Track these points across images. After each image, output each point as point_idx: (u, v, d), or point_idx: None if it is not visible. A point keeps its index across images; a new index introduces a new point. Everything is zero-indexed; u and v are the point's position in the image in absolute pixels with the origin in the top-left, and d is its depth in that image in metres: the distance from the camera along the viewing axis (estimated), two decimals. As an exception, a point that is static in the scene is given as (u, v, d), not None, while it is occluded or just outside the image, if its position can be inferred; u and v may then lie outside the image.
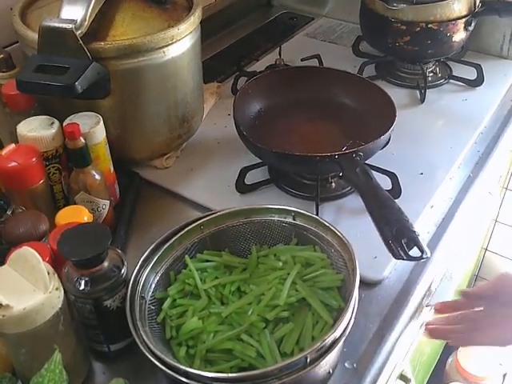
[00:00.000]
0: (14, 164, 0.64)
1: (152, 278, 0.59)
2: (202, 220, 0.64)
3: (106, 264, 0.54)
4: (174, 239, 0.62)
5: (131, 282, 0.55)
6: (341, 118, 0.88)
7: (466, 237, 1.02)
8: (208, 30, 1.21)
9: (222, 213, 0.65)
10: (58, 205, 0.74)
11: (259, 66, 1.10)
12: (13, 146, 0.66)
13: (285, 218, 0.64)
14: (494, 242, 1.59)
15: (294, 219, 0.63)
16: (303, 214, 0.63)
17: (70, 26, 0.66)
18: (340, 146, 0.80)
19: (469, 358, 1.49)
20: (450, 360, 1.57)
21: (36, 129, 0.69)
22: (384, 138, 0.75)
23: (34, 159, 0.65)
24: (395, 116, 0.77)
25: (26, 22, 0.75)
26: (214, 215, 0.65)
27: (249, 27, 1.31)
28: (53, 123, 0.70)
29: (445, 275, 0.92)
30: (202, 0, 1.21)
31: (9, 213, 0.63)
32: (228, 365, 0.52)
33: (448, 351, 1.59)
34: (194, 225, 0.64)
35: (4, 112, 0.74)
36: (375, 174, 0.80)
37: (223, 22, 1.29)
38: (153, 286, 0.59)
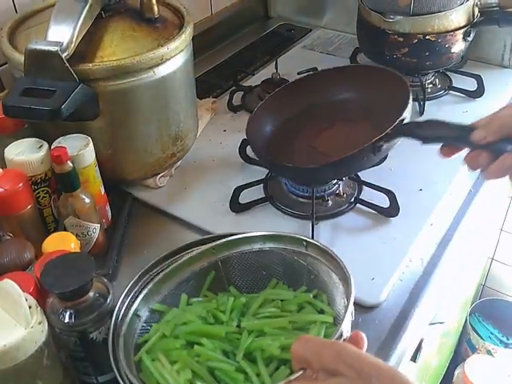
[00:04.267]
0: (0, 190, 0.63)
1: (154, 296, 0.58)
2: (215, 243, 0.62)
3: (91, 295, 0.52)
4: (183, 260, 0.60)
5: (115, 313, 0.54)
6: (356, 113, 0.84)
7: (470, 250, 1.00)
8: (204, 43, 1.21)
9: (237, 237, 0.62)
10: (48, 228, 0.73)
11: (255, 80, 1.09)
12: (0, 171, 0.65)
13: (297, 247, 0.60)
14: (501, 252, 1.57)
15: (306, 249, 0.60)
16: (314, 243, 0.59)
17: (56, 48, 0.65)
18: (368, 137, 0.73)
19: (476, 369, 1.46)
20: (457, 372, 1.54)
21: (24, 152, 0.68)
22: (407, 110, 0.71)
23: (20, 185, 0.64)
24: (408, 89, 0.74)
25: (14, 43, 0.74)
26: (228, 239, 0.62)
27: (246, 40, 1.30)
28: (41, 146, 0.69)
29: (447, 293, 0.90)
30: (198, 14, 1.23)
31: (-5, 240, 0.62)
32: None
33: (455, 363, 1.56)
34: (206, 247, 0.62)
35: (-8, 135, 0.73)
36: (371, 191, 0.80)
37: (220, 35, 1.28)
38: (152, 305, 0.58)
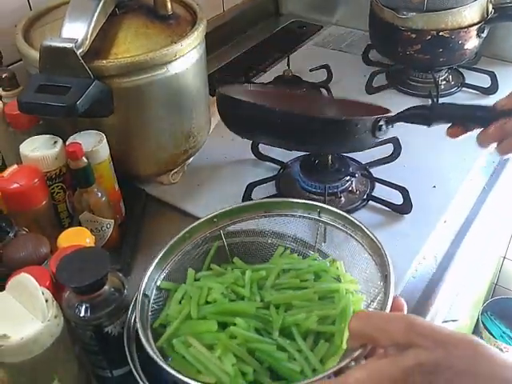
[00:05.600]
0: (16, 185, 0.63)
1: (158, 274, 0.57)
2: (216, 213, 0.60)
3: (106, 289, 0.52)
4: (183, 232, 0.59)
5: (131, 307, 0.54)
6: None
7: (483, 248, 0.99)
8: (216, 40, 1.21)
9: (238, 205, 0.61)
10: (63, 224, 0.74)
11: (267, 77, 1.09)
12: (15, 167, 0.66)
13: (309, 214, 0.59)
14: (513, 251, 1.56)
15: (319, 215, 0.59)
16: (330, 210, 0.58)
17: (71, 45, 0.65)
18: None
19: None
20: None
21: (39, 148, 0.68)
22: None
23: (36, 180, 0.65)
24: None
25: (29, 40, 0.75)
26: (229, 208, 0.61)
27: (258, 37, 1.30)
28: (56, 142, 0.69)
29: (460, 290, 0.90)
30: (210, 11, 1.23)
31: (11, 235, 0.62)
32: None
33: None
34: (207, 217, 0.60)
35: (8, 131, 0.74)
36: (384, 188, 0.79)
37: (232, 32, 1.28)
38: (158, 282, 0.56)
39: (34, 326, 0.47)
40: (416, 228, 0.75)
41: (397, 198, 0.78)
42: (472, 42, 0.97)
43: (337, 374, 0.41)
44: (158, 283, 0.57)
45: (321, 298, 0.53)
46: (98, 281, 0.50)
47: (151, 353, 0.47)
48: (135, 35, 0.73)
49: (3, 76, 0.76)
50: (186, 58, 0.75)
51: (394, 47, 1.00)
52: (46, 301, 0.49)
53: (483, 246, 0.91)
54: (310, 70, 1.06)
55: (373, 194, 0.80)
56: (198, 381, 0.44)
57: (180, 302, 0.55)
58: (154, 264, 0.57)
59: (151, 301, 0.55)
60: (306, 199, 0.79)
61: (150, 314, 0.54)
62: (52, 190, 0.70)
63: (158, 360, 0.46)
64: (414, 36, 0.96)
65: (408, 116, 0.67)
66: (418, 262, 0.71)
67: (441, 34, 0.94)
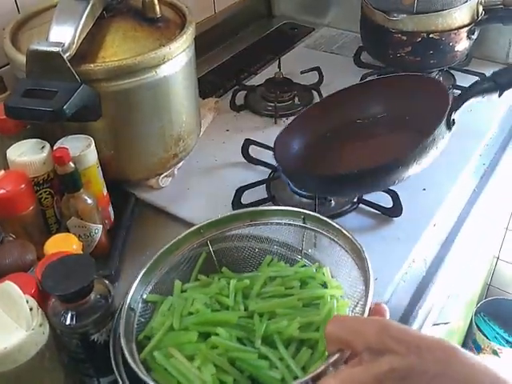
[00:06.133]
0: (2, 191, 0.63)
1: (144, 287, 0.56)
2: (202, 224, 0.61)
3: (92, 296, 0.52)
4: (171, 243, 0.59)
5: (116, 316, 0.53)
6: (388, 126, 0.81)
7: (474, 249, 0.99)
8: (207, 42, 1.21)
9: (224, 216, 0.61)
10: (51, 229, 0.73)
11: (258, 79, 1.09)
12: (1, 172, 0.65)
13: (293, 220, 0.60)
14: (506, 251, 1.56)
15: (304, 222, 0.59)
16: (313, 215, 0.59)
17: (58, 49, 0.64)
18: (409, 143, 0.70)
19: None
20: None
21: (26, 153, 0.68)
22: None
23: (22, 186, 0.64)
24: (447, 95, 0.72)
25: (16, 44, 0.74)
26: (215, 218, 0.61)
27: (249, 39, 1.29)
28: (43, 147, 0.69)
29: (451, 293, 0.90)
30: (201, 13, 1.23)
31: (-2, 241, 0.62)
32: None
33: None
34: (193, 229, 0.60)
35: (-5, 136, 0.74)
36: (375, 193, 0.79)
37: (223, 34, 1.28)
38: (144, 295, 0.56)
39: (18, 334, 0.47)
40: (406, 231, 0.75)
41: (387, 201, 0.78)
42: (462, 44, 0.97)
43: (315, 380, 0.41)
44: (144, 296, 0.57)
45: (306, 304, 0.53)
46: (83, 288, 0.50)
47: (133, 366, 0.47)
48: (123, 38, 0.73)
49: (-10, 80, 0.76)
50: (174, 62, 0.75)
51: (385, 49, 1.00)
52: (31, 309, 0.49)
53: (475, 247, 0.91)
54: (301, 73, 1.06)
55: (363, 197, 0.79)
56: None
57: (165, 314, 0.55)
58: (139, 277, 0.57)
59: (137, 314, 0.55)
60: (296, 203, 0.80)
61: (135, 326, 0.54)
62: (40, 195, 0.69)
63: (140, 372, 0.46)
64: (404, 38, 0.96)
65: (476, 93, 0.68)
66: (407, 265, 0.71)
67: (431, 36, 0.94)
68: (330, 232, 0.57)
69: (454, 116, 0.69)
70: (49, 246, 0.60)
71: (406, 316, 0.66)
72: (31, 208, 0.66)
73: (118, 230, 0.77)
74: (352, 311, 0.52)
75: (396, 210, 0.76)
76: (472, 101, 0.71)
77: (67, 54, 0.66)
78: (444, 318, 0.92)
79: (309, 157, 0.81)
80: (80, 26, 0.68)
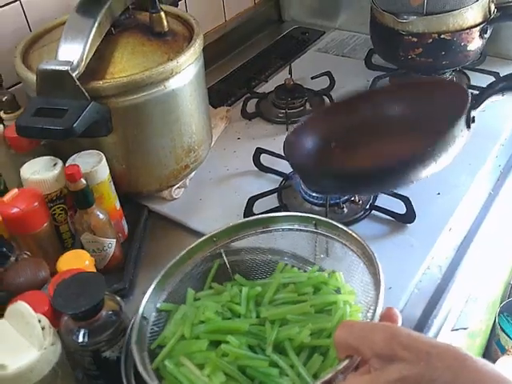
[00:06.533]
0: (16, 210, 0.64)
1: (157, 296, 0.57)
2: (215, 232, 0.61)
3: (103, 313, 0.53)
4: (184, 252, 0.59)
5: (128, 329, 0.54)
6: (402, 127, 0.78)
7: (492, 251, 0.97)
8: (218, 51, 1.21)
9: (236, 223, 0.61)
10: (65, 245, 0.74)
11: (269, 86, 1.09)
12: (15, 191, 0.66)
13: (305, 226, 0.60)
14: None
15: (315, 227, 0.59)
16: (325, 221, 0.59)
17: (66, 67, 0.65)
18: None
19: (506, 371, 1.43)
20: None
21: (39, 171, 0.69)
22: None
23: (36, 204, 0.65)
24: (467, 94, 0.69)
25: (27, 62, 0.76)
26: (227, 226, 0.61)
27: (260, 45, 1.29)
28: (56, 164, 0.70)
29: (469, 297, 0.88)
30: (212, 21, 1.23)
31: (13, 259, 0.63)
32: None
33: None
34: (205, 237, 0.61)
35: (9, 154, 0.75)
36: (387, 198, 0.78)
37: (234, 42, 1.28)
38: (158, 304, 0.56)
39: (31, 354, 0.47)
40: (420, 237, 0.74)
41: (400, 207, 0.77)
42: (475, 43, 0.96)
43: None
44: (158, 305, 0.57)
45: (318, 311, 0.53)
46: (94, 306, 0.51)
47: (144, 374, 0.47)
48: (132, 54, 0.74)
49: (3, 99, 0.77)
50: (183, 74, 0.75)
51: (396, 52, 0.99)
52: (43, 328, 0.49)
53: (493, 249, 0.90)
54: (312, 78, 1.06)
55: (376, 203, 0.79)
56: None
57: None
58: (152, 286, 0.57)
59: (150, 323, 0.55)
60: (307, 210, 0.80)
61: (148, 335, 0.54)
62: (53, 211, 0.71)
63: (149, 381, 0.46)
64: (415, 40, 0.95)
65: (496, 91, 0.68)
66: (422, 272, 0.70)
67: (442, 36, 0.93)
68: (342, 237, 0.57)
69: (474, 113, 0.68)
70: (61, 263, 0.61)
71: (421, 324, 0.65)
72: (45, 225, 0.67)
73: (132, 243, 0.78)
74: (364, 317, 0.52)
75: (409, 216, 0.75)
76: (492, 99, 0.70)
77: (76, 72, 0.67)
78: (463, 322, 0.90)
79: (322, 155, 0.78)
80: (88, 44, 0.69)
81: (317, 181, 0.73)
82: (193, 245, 0.60)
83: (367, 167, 0.68)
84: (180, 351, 0.51)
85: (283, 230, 0.61)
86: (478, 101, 0.69)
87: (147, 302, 0.56)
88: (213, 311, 0.54)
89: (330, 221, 0.58)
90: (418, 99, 0.78)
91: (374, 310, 0.46)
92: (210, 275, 0.61)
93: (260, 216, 0.62)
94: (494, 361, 1.48)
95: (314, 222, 0.59)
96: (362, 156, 0.78)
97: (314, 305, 0.53)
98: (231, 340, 0.50)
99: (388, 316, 0.45)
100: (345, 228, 0.57)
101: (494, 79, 1.01)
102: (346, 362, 0.41)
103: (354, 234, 0.55)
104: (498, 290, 1.41)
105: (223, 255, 0.61)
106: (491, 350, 1.57)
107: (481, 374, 0.36)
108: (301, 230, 0.60)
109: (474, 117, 0.68)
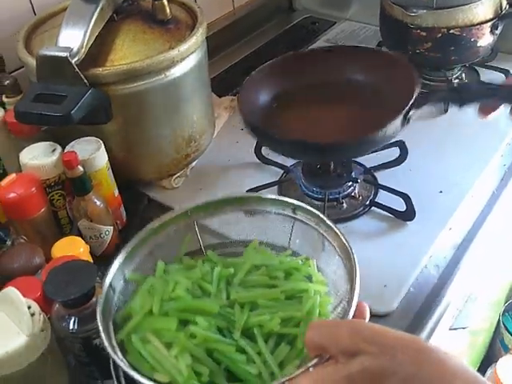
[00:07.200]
0: (13, 195, 0.64)
1: (126, 266, 0.54)
2: (190, 206, 0.59)
3: (94, 301, 0.53)
4: (157, 224, 0.57)
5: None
6: (359, 97, 0.81)
7: (497, 250, 0.96)
8: (226, 39, 1.20)
9: (212, 200, 0.59)
10: (64, 230, 0.74)
11: (275, 77, 1.07)
12: (13, 176, 0.67)
13: (283, 210, 0.58)
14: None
15: (294, 213, 0.57)
16: (304, 207, 0.57)
17: (66, 54, 0.65)
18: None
19: (508, 370, 1.42)
20: (489, 372, 1.50)
21: (38, 156, 0.69)
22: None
23: (33, 189, 0.65)
24: (415, 82, 0.72)
25: (29, 47, 0.75)
26: (203, 202, 0.59)
27: (269, 34, 1.28)
28: (54, 150, 0.70)
29: (469, 297, 0.87)
30: (219, 8, 1.22)
31: (8, 243, 0.64)
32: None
33: (487, 363, 1.52)
34: (180, 211, 0.59)
35: (10, 138, 0.75)
36: (387, 194, 0.78)
37: (242, 30, 1.26)
38: (126, 274, 0.54)
39: (19, 339, 0.48)
40: (420, 235, 0.73)
41: (400, 204, 0.76)
42: (486, 39, 0.94)
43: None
44: (126, 275, 0.54)
45: (288, 297, 0.51)
46: (84, 295, 0.51)
47: (107, 345, 0.46)
48: (133, 41, 0.73)
49: (5, 83, 0.77)
50: (184, 63, 0.75)
51: (404, 45, 0.97)
52: (33, 314, 0.50)
53: (495, 249, 0.89)
54: (318, 69, 1.04)
55: (376, 199, 0.78)
56: (150, 379, 0.44)
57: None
58: (122, 255, 0.54)
59: (117, 292, 0.52)
60: (307, 204, 0.79)
61: (114, 306, 0.51)
62: (52, 197, 0.71)
63: (113, 354, 0.45)
64: (424, 34, 0.93)
65: (438, 99, 0.69)
66: (419, 271, 0.70)
67: (452, 31, 0.91)
68: (321, 226, 0.55)
69: (412, 114, 0.69)
70: (56, 249, 0.61)
71: (416, 323, 0.65)
72: (42, 210, 0.67)
73: (130, 231, 0.77)
74: (334, 309, 0.51)
75: (409, 213, 0.74)
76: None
77: (76, 59, 0.66)
78: (462, 321, 0.90)
79: (266, 114, 0.80)
80: (89, 30, 0.69)
81: (264, 140, 0.74)
82: (166, 216, 0.58)
83: (300, 140, 0.68)
84: (147, 327, 0.49)
85: (262, 211, 0.59)
86: (420, 102, 0.69)
87: (116, 270, 0.53)
88: (183, 288, 0.52)
89: (310, 208, 0.56)
90: (372, 70, 0.81)
91: (349, 306, 0.45)
92: (181, 249, 0.58)
93: (238, 194, 0.60)
94: (497, 359, 1.47)
95: (292, 207, 0.58)
96: (299, 123, 0.78)
97: (285, 291, 0.52)
98: (200, 322, 0.48)
99: (358, 311, 0.45)
100: (324, 217, 0.55)
101: (503, 77, 0.99)
102: (315, 361, 0.41)
103: (331, 224, 0.54)
104: (502, 289, 1.40)
105: (196, 228, 0.59)
106: (495, 349, 1.56)
107: (445, 367, 0.36)
108: (279, 213, 0.58)
109: (410, 117, 0.69)
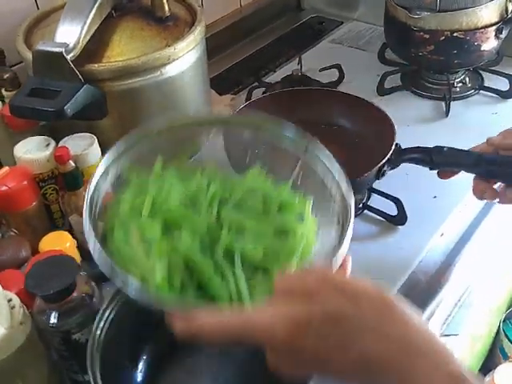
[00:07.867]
0: (4, 188, 0.65)
1: (121, 159, 0.54)
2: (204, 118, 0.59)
3: (75, 296, 0.53)
4: (161, 124, 0.56)
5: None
6: (340, 141, 0.82)
7: (493, 257, 0.95)
8: (232, 37, 1.20)
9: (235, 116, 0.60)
10: (56, 224, 0.75)
11: (277, 76, 1.07)
12: (6, 169, 0.67)
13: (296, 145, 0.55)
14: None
15: (306, 150, 0.55)
16: (318, 148, 0.54)
17: (61, 49, 0.66)
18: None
19: (506, 377, 1.41)
20: (487, 379, 1.49)
21: (32, 150, 0.70)
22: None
23: (25, 182, 0.66)
24: (394, 139, 0.72)
25: (30, 42, 0.76)
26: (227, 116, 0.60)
27: (274, 33, 1.27)
28: (48, 144, 0.71)
29: (463, 303, 0.86)
30: (225, 6, 1.22)
31: (-1, 236, 0.65)
32: None
33: (486, 370, 1.51)
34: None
35: (7, 131, 0.76)
36: (380, 198, 0.77)
37: (249, 29, 1.26)
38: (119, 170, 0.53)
39: (-2, 332, 0.48)
40: (411, 240, 0.73)
41: (393, 209, 0.75)
42: (490, 43, 0.93)
43: None
44: (119, 169, 0.53)
45: (276, 231, 0.50)
46: (64, 289, 0.51)
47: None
48: (130, 38, 0.74)
49: (5, 76, 0.78)
50: (181, 61, 0.75)
51: (407, 47, 0.96)
52: (13, 307, 0.50)
53: (490, 256, 0.88)
54: (320, 70, 1.04)
55: (369, 203, 0.77)
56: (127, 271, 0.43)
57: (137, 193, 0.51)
58: (118, 146, 0.53)
59: (108, 180, 0.52)
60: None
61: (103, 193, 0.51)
62: (45, 191, 0.71)
63: (92, 237, 0.44)
64: (427, 36, 0.92)
65: (411, 160, 0.69)
66: (407, 275, 0.69)
67: (455, 34, 0.90)
68: (327, 175, 0.53)
69: (387, 169, 0.71)
70: (44, 244, 0.62)
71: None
72: (34, 204, 0.68)
73: (123, 227, 0.78)
74: (315, 255, 0.50)
75: (400, 218, 0.74)
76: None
77: (71, 55, 0.67)
78: (454, 328, 0.89)
79: None
80: (86, 26, 0.69)
81: None
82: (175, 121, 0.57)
83: None
84: (132, 226, 0.48)
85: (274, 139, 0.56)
86: (395, 160, 0.71)
87: (115, 157, 0.53)
88: (177, 200, 0.50)
89: (328, 152, 0.54)
90: (356, 118, 0.84)
91: (337, 250, 0.46)
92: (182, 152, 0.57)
93: (257, 117, 0.57)
94: (496, 366, 1.46)
95: (306, 145, 0.55)
96: None
97: (275, 225, 0.51)
98: (185, 237, 0.47)
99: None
100: (337, 165, 0.53)
101: (508, 82, 0.97)
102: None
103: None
104: (502, 296, 1.38)
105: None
106: (495, 356, 1.55)
107: (407, 326, 0.37)
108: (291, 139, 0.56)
109: (385, 170, 0.71)
